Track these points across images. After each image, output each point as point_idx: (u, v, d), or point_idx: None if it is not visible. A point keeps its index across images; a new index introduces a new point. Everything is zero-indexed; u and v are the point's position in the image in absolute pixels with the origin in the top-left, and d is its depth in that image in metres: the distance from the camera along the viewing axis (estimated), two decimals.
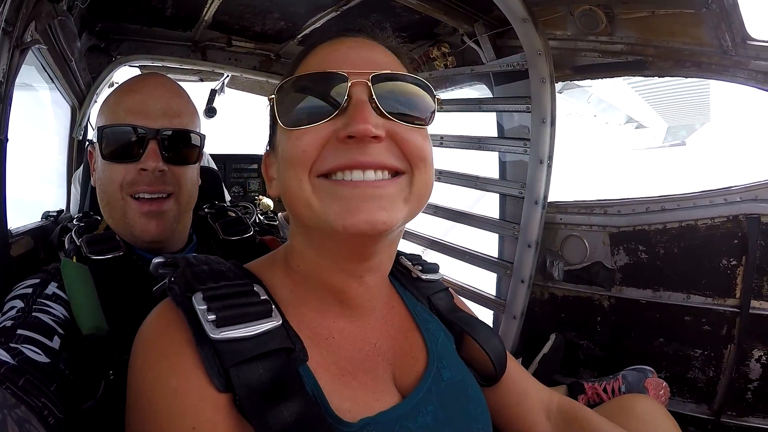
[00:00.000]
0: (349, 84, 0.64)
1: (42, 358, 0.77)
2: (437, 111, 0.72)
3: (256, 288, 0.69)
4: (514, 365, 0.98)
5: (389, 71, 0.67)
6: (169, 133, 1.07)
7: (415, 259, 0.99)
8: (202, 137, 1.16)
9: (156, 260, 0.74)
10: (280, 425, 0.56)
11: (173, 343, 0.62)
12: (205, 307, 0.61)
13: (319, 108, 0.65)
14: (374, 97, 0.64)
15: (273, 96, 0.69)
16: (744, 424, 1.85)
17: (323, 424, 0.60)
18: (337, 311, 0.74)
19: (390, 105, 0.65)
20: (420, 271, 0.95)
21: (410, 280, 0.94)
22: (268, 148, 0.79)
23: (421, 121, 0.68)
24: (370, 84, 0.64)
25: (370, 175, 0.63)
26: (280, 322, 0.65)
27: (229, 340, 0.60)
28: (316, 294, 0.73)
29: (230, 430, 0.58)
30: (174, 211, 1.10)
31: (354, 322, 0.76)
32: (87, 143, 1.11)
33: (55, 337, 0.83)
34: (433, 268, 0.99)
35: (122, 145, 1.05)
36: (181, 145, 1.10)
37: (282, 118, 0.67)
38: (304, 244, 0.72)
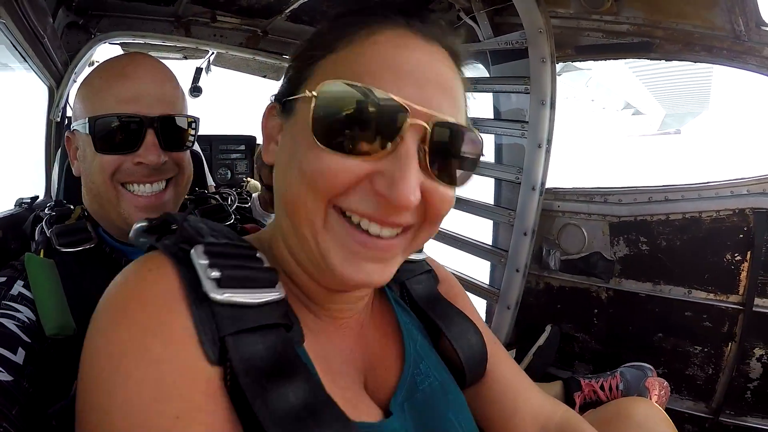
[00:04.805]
0: (408, 124, 0.52)
1: (4, 377, 0.74)
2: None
3: (258, 255, 0.59)
4: (508, 368, 0.87)
5: (453, 121, 0.55)
6: (167, 119, 1.01)
7: None
8: (197, 120, 1.10)
9: (137, 225, 0.63)
10: (285, 408, 0.48)
11: (160, 294, 0.50)
12: (206, 262, 0.51)
13: (364, 138, 0.52)
14: (426, 149, 0.54)
15: (314, 93, 0.54)
16: (743, 423, 1.80)
17: (334, 412, 0.51)
18: (318, 309, 0.66)
19: (439, 164, 0.56)
20: None
21: None
22: (273, 99, 0.65)
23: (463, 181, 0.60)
24: (428, 130, 0.54)
25: (386, 232, 0.56)
26: (284, 295, 0.57)
27: (231, 305, 0.50)
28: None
29: (220, 421, 0.47)
30: (172, 199, 1.07)
31: (333, 323, 0.68)
32: (65, 130, 1.02)
33: (20, 349, 0.79)
34: None
35: (117, 136, 0.97)
36: (179, 130, 1.05)
37: (317, 127, 0.53)
38: (288, 251, 0.63)
